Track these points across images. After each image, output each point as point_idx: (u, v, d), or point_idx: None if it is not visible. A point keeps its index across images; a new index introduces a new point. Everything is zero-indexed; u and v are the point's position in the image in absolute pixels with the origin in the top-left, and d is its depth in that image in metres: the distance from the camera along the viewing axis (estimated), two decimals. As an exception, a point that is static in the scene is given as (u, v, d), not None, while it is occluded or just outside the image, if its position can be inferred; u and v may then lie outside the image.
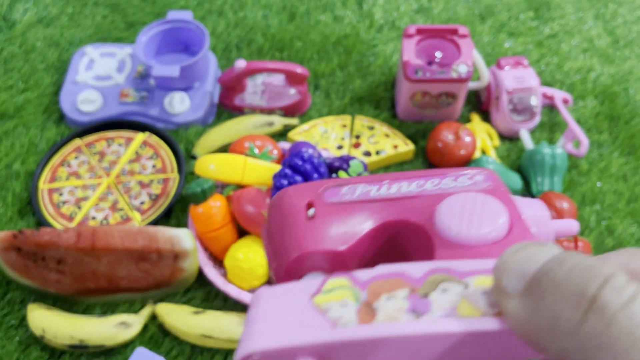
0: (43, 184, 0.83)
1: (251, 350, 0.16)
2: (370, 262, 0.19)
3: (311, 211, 0.20)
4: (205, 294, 0.75)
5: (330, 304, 0.16)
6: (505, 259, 0.16)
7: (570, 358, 0.14)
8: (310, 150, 0.75)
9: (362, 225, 0.19)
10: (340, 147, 0.87)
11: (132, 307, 0.73)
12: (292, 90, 0.92)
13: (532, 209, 0.20)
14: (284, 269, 0.20)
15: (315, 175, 0.69)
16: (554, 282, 0.14)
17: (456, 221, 0.18)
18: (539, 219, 0.20)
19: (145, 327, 0.72)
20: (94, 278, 0.71)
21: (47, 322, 0.69)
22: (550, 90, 0.92)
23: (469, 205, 0.18)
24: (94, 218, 0.80)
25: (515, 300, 0.15)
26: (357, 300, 0.17)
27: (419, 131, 0.90)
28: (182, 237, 0.71)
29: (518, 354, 0.16)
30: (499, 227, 0.18)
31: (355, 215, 0.19)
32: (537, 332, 0.14)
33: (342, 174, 0.74)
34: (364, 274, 0.18)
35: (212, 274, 0.72)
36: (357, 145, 0.87)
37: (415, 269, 0.17)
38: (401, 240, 0.20)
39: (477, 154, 0.87)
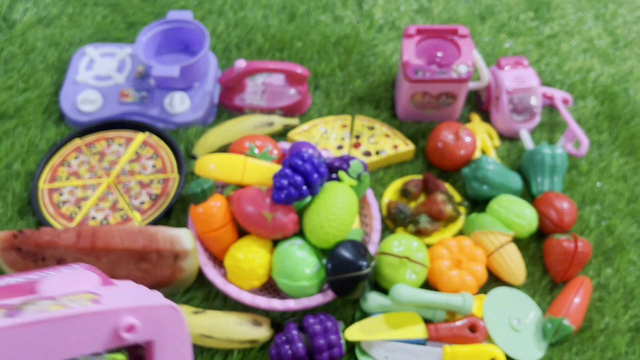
0: (43, 184, 0.83)
1: None
2: None
3: None
4: (205, 294, 0.75)
5: None
6: None
7: None
8: (310, 150, 0.75)
9: None
10: (340, 147, 0.87)
11: (132, 307, 0.73)
12: (292, 90, 0.92)
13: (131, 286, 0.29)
14: None
15: (315, 175, 0.69)
16: None
17: (53, 286, 0.27)
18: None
19: (145, 327, 0.72)
20: (94, 278, 0.71)
21: (47, 322, 0.69)
22: (550, 90, 0.92)
23: (65, 275, 0.27)
24: (94, 218, 0.80)
25: None
26: None
27: (419, 131, 0.90)
28: (182, 237, 0.71)
29: (96, 343, 0.21)
30: (90, 283, 0.27)
31: None
32: None
33: (342, 174, 0.74)
34: None
35: (212, 274, 0.72)
36: (357, 145, 0.87)
37: (11, 300, 0.24)
38: None
39: (477, 154, 0.87)
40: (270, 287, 0.75)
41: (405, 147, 0.87)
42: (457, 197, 0.83)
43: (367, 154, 0.86)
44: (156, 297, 0.23)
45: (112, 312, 0.21)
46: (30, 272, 0.29)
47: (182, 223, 0.80)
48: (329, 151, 0.83)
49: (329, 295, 0.70)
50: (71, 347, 0.20)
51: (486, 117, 0.93)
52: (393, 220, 0.80)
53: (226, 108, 0.93)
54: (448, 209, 0.79)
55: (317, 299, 0.70)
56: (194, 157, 0.86)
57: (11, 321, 0.20)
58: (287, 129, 0.90)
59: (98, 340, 0.21)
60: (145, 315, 0.22)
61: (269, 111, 0.91)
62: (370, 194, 0.79)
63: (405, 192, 0.83)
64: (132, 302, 0.22)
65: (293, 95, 0.91)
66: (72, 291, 0.24)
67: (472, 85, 0.91)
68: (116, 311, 0.22)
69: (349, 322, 0.73)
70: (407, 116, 0.91)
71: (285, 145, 0.81)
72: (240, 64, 0.86)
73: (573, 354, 0.71)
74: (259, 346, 0.70)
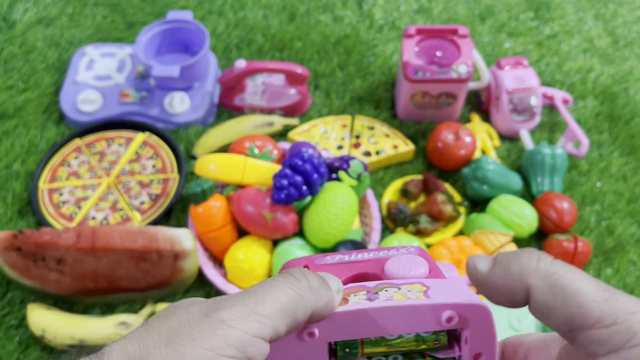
0: (43, 184, 0.83)
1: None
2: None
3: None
4: (205, 294, 0.75)
5: None
6: (473, 257, 0.30)
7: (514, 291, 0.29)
8: (310, 150, 0.75)
9: (341, 277, 0.33)
10: (340, 147, 0.87)
11: (132, 307, 0.73)
12: (292, 90, 0.92)
13: (447, 270, 0.34)
14: None
15: (315, 175, 0.69)
16: (507, 258, 0.29)
17: (395, 269, 0.33)
18: (451, 272, 0.34)
19: (145, 327, 0.72)
20: (94, 278, 0.71)
21: (47, 322, 0.69)
22: (550, 90, 0.92)
23: (403, 260, 0.33)
24: (94, 218, 0.80)
25: (485, 273, 0.30)
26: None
27: (419, 131, 0.90)
28: (182, 237, 0.71)
29: (424, 327, 0.29)
30: (420, 272, 0.32)
31: (337, 271, 0.34)
32: (497, 282, 0.30)
33: (342, 174, 0.74)
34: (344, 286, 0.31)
35: (212, 274, 0.72)
36: (357, 145, 0.87)
37: (370, 283, 0.31)
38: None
39: (477, 154, 0.87)
40: (270, 287, 0.75)
41: (405, 147, 0.87)
42: (457, 197, 0.83)
43: (367, 154, 0.86)
44: (471, 296, 0.31)
45: (437, 306, 0.29)
46: (378, 250, 0.37)
47: (182, 223, 0.80)
48: (329, 151, 0.83)
49: (329, 295, 0.70)
50: (405, 326, 0.29)
51: (486, 117, 0.93)
52: (393, 220, 0.80)
53: (226, 108, 0.93)
54: (448, 209, 0.79)
55: (317, 299, 0.70)
56: (194, 157, 0.86)
57: (371, 304, 0.29)
58: (287, 129, 0.90)
59: (425, 324, 0.29)
60: (461, 309, 0.30)
61: (269, 111, 0.91)
62: (370, 194, 0.79)
63: (405, 192, 0.83)
64: (452, 297, 0.30)
65: (293, 95, 0.91)
66: (409, 280, 0.32)
67: (472, 85, 0.91)
68: (440, 306, 0.29)
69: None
70: (407, 116, 0.91)
71: (285, 145, 0.81)
72: (240, 64, 0.86)
73: (573, 354, 0.71)
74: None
